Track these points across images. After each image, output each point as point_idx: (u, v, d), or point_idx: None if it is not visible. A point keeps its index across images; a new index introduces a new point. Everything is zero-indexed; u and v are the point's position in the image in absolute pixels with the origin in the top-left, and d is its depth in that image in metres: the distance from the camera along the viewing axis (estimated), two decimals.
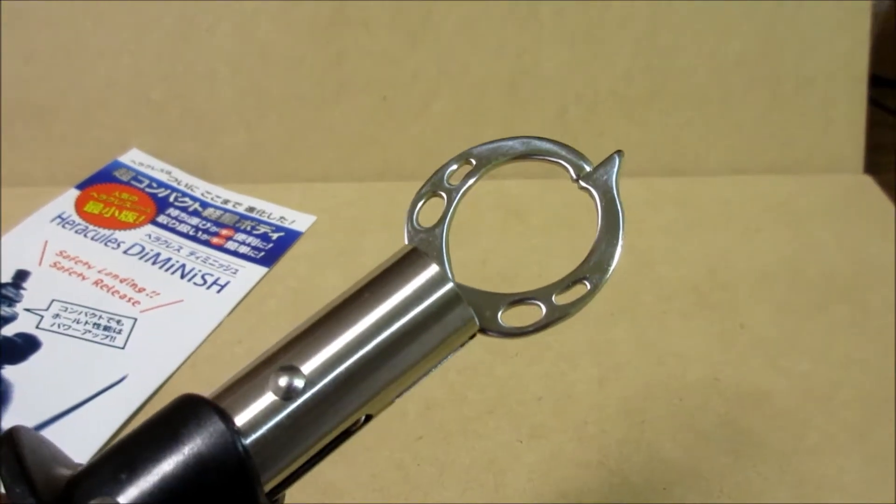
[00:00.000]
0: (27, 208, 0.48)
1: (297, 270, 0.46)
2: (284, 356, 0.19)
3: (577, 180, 0.22)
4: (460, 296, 0.20)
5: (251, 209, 0.50)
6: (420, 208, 0.22)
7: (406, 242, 0.21)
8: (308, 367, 0.18)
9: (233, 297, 0.44)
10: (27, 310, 0.41)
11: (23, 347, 0.39)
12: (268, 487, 0.18)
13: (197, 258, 0.46)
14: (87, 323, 0.41)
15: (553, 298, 0.20)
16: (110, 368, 0.39)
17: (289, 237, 0.48)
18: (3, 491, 0.16)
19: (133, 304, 0.42)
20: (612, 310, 0.43)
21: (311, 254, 0.47)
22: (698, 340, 0.42)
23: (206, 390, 0.39)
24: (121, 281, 0.44)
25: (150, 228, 0.47)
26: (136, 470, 0.16)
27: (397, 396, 0.20)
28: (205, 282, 0.44)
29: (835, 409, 0.38)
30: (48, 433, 0.35)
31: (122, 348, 0.40)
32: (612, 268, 0.21)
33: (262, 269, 0.46)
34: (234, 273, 0.45)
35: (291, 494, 0.20)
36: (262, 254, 0.47)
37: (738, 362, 0.40)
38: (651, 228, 0.49)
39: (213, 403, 0.18)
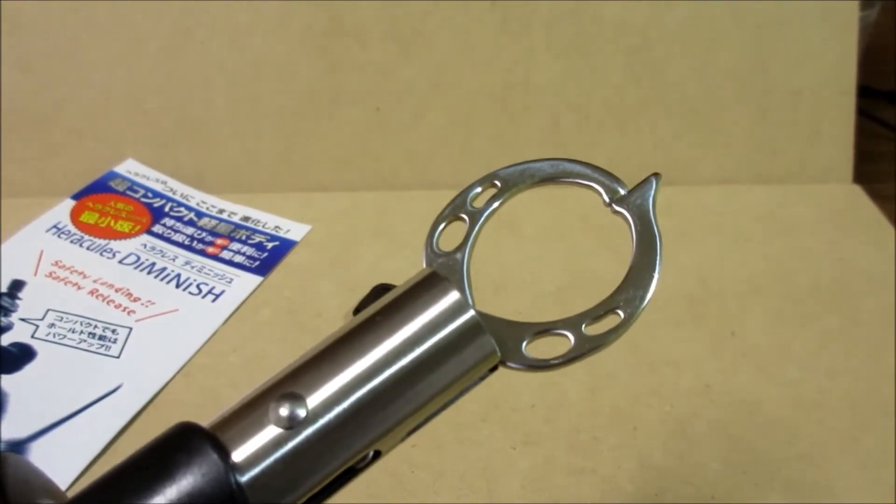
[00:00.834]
0: (23, 219, 0.48)
1: (292, 279, 0.46)
2: (289, 385, 0.18)
3: (609, 204, 0.21)
4: (482, 325, 0.19)
5: (246, 219, 0.50)
6: (441, 232, 0.21)
7: (424, 266, 0.20)
8: (313, 398, 0.17)
9: (228, 306, 0.44)
10: (22, 319, 0.41)
11: (18, 357, 0.40)
12: None
13: (192, 268, 0.46)
14: (82, 332, 0.41)
15: (583, 328, 0.19)
16: (105, 378, 0.39)
17: (283, 246, 0.48)
18: None
19: (128, 313, 0.43)
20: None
21: (305, 263, 0.48)
22: (690, 348, 0.42)
23: (201, 400, 0.40)
24: (116, 290, 0.44)
25: (145, 238, 0.48)
26: None
27: (409, 434, 0.19)
28: (200, 291, 0.44)
29: (824, 417, 0.38)
30: (43, 442, 0.35)
31: (117, 357, 0.40)
32: (648, 297, 0.20)
33: (256, 279, 0.46)
34: (229, 282, 0.45)
35: None
36: (257, 263, 0.47)
37: (729, 370, 0.41)
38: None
39: (210, 433, 0.17)
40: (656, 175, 0.21)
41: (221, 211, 0.51)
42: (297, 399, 0.17)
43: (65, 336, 0.41)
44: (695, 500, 0.35)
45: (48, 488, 0.17)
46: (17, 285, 0.43)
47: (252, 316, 0.44)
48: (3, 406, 0.37)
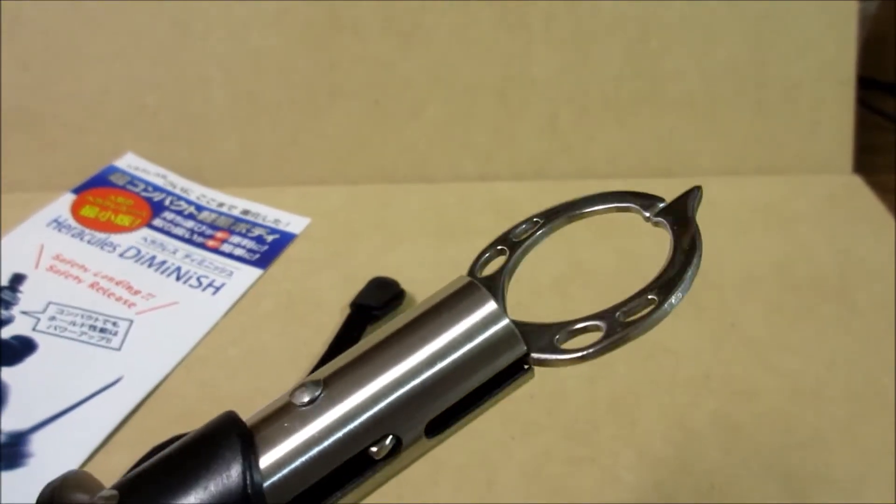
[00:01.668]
0: (23, 213, 0.48)
1: (292, 272, 0.47)
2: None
3: (649, 218, 0.21)
4: (517, 335, 0.19)
5: (246, 212, 0.50)
6: (482, 262, 0.21)
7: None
8: (334, 385, 0.18)
9: (228, 298, 0.44)
10: (23, 312, 0.42)
11: (19, 349, 0.40)
12: None
13: (192, 261, 0.46)
14: (83, 325, 0.41)
15: (616, 316, 0.19)
16: (106, 370, 0.39)
17: (283, 239, 0.49)
18: None
19: (129, 306, 0.43)
20: (602, 309, 0.43)
21: (305, 256, 0.48)
22: (689, 339, 0.42)
23: (202, 392, 0.40)
24: (116, 283, 0.44)
25: (145, 232, 0.48)
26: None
27: (435, 432, 0.19)
28: (200, 284, 0.45)
29: (823, 406, 0.38)
30: (44, 434, 0.36)
31: (118, 350, 0.40)
32: (686, 282, 0.20)
33: (256, 271, 0.46)
34: (230, 275, 0.45)
35: None
36: (257, 256, 0.47)
37: (729, 360, 0.41)
38: (641, 229, 0.50)
39: (246, 433, 0.17)
40: (698, 188, 0.21)
41: (221, 204, 0.51)
42: (318, 384, 0.18)
43: (66, 329, 0.41)
44: (694, 489, 0.35)
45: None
46: (18, 279, 0.44)
47: (252, 308, 0.44)
48: (5, 398, 0.37)
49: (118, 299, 0.43)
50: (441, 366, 0.18)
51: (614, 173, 0.54)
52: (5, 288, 0.43)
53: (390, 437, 0.18)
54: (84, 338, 0.41)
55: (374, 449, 0.18)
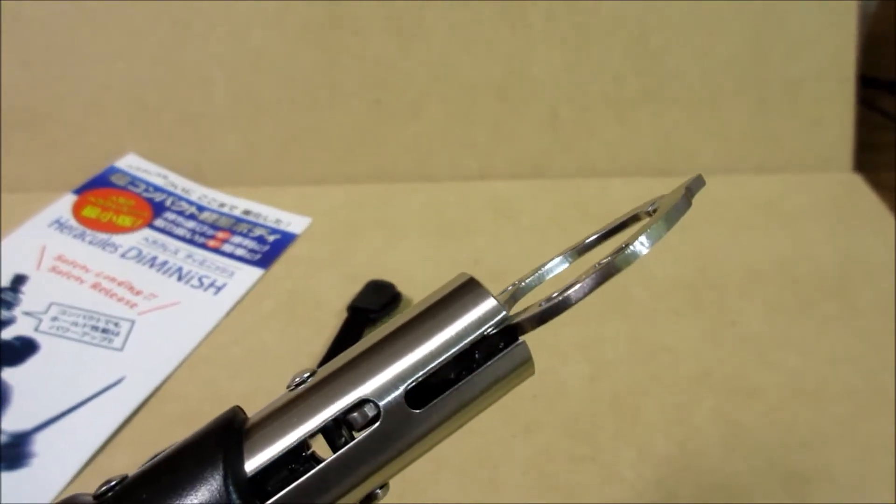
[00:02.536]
0: (24, 214, 0.48)
1: (293, 272, 0.47)
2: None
3: (649, 212, 0.21)
4: (489, 294, 0.19)
5: (247, 212, 0.50)
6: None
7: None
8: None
9: (229, 298, 0.44)
10: (26, 313, 0.42)
11: (21, 350, 0.40)
12: None
13: (194, 261, 0.46)
14: (84, 325, 0.41)
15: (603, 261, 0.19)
16: (108, 370, 0.39)
17: (284, 239, 0.49)
18: None
19: (130, 306, 0.43)
20: (603, 308, 0.43)
21: (306, 255, 0.48)
22: (690, 337, 0.42)
23: (204, 391, 0.40)
24: (118, 284, 0.44)
25: (146, 232, 0.48)
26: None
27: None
28: (201, 284, 0.45)
29: (824, 404, 0.39)
30: (47, 434, 0.36)
31: (120, 350, 0.40)
32: (664, 231, 0.19)
33: (258, 271, 0.46)
34: (231, 275, 0.46)
35: None
36: (259, 256, 0.47)
37: (729, 358, 0.41)
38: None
39: (234, 432, 0.18)
40: (700, 176, 0.21)
41: (222, 205, 0.51)
42: (309, 371, 0.18)
43: (68, 329, 0.41)
44: (694, 486, 0.35)
45: None
46: (19, 279, 0.44)
47: (254, 308, 0.44)
48: (8, 399, 0.37)
49: (120, 300, 0.43)
50: (416, 329, 0.18)
51: (615, 171, 0.54)
52: (7, 289, 0.43)
53: (370, 404, 0.17)
54: (86, 338, 0.41)
55: (354, 415, 0.18)
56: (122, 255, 0.46)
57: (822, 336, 0.42)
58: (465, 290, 0.19)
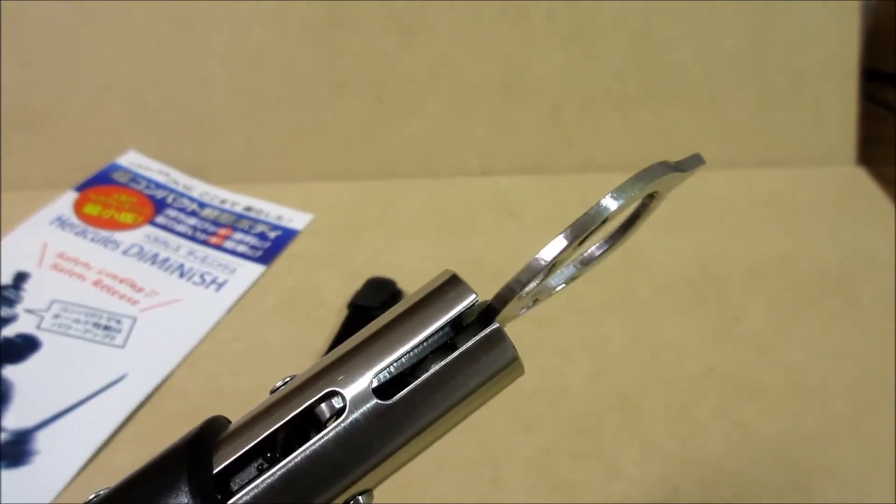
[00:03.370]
0: (26, 211, 0.48)
1: (295, 268, 0.47)
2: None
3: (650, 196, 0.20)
4: (503, 332, 0.18)
5: (248, 208, 0.50)
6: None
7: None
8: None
9: (231, 295, 0.44)
10: (27, 311, 0.42)
11: (23, 348, 0.40)
12: None
13: (195, 258, 0.46)
14: (86, 323, 0.41)
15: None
16: (110, 367, 0.39)
17: (286, 236, 0.49)
18: None
19: (132, 303, 0.43)
20: (606, 305, 0.43)
21: (308, 252, 0.48)
22: (692, 333, 0.42)
23: (206, 388, 0.40)
24: (120, 281, 0.44)
25: (148, 229, 0.48)
26: None
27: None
28: (203, 281, 0.45)
29: (827, 400, 0.38)
30: (50, 431, 0.36)
31: (122, 347, 0.40)
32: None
33: (259, 268, 0.46)
34: (233, 272, 0.45)
35: None
36: (260, 252, 0.47)
37: (732, 354, 0.41)
38: (644, 224, 0.50)
39: (203, 446, 0.17)
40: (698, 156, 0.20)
41: (224, 201, 0.51)
42: (291, 376, 0.18)
43: (70, 327, 0.41)
44: (698, 482, 0.35)
45: None
46: (21, 277, 0.44)
47: (255, 305, 0.44)
48: (10, 396, 0.37)
49: (122, 297, 0.43)
50: (390, 323, 0.17)
51: (617, 167, 0.54)
52: (9, 286, 0.43)
53: (337, 396, 0.17)
54: (88, 335, 0.41)
55: (321, 407, 0.17)
56: (124, 253, 0.46)
57: (824, 332, 0.42)
58: (444, 284, 0.18)
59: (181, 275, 0.45)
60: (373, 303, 0.42)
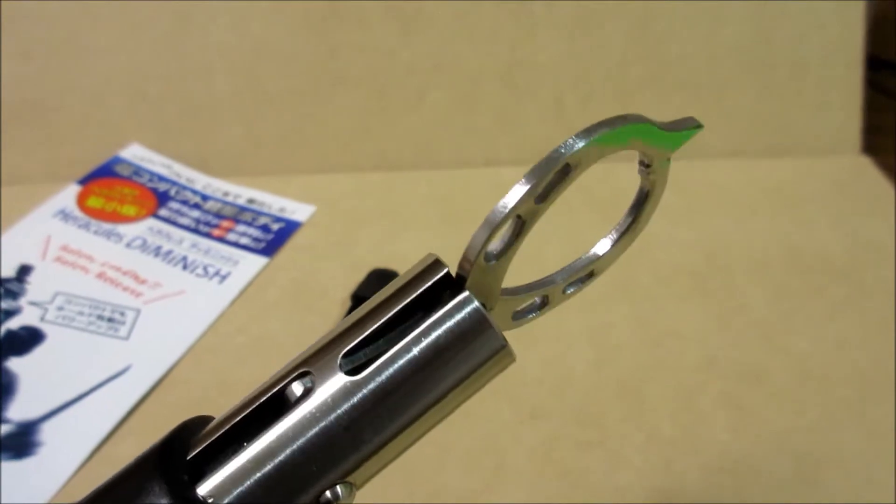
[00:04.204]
0: (29, 205, 0.48)
1: (298, 260, 0.47)
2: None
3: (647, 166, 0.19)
4: (486, 316, 0.17)
5: (251, 201, 0.50)
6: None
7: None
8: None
9: (234, 287, 0.44)
10: (31, 303, 0.42)
11: (27, 340, 0.40)
12: None
13: (198, 250, 0.46)
14: (90, 315, 0.41)
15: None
16: (114, 359, 0.39)
17: (289, 227, 0.48)
18: None
19: (136, 295, 0.43)
20: (609, 293, 0.43)
21: (311, 243, 0.48)
22: (696, 322, 0.42)
23: (209, 380, 0.40)
24: (123, 273, 0.44)
25: (151, 222, 0.48)
26: None
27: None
28: (206, 273, 0.45)
29: (832, 387, 0.38)
30: (54, 423, 0.36)
31: (126, 339, 0.40)
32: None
33: (262, 260, 0.46)
34: (235, 264, 0.45)
35: None
36: (263, 244, 0.47)
37: (737, 342, 0.41)
38: (651, 217, 0.49)
39: (174, 451, 0.17)
40: (699, 125, 0.19)
41: (226, 194, 0.51)
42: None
43: (73, 319, 0.41)
44: (702, 470, 0.35)
45: None
46: (25, 270, 0.44)
47: (258, 296, 0.44)
48: (15, 388, 0.37)
49: (125, 289, 0.43)
50: (364, 305, 0.17)
51: (620, 157, 0.54)
52: (13, 279, 0.43)
53: (307, 377, 0.16)
54: (92, 327, 0.41)
55: (291, 387, 0.16)
56: (127, 245, 0.46)
57: (829, 320, 0.42)
58: (424, 267, 0.17)
59: (184, 267, 0.45)
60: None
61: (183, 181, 0.51)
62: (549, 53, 0.54)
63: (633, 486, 0.34)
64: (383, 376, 0.16)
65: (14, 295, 0.42)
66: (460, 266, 0.17)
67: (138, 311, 0.42)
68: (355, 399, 0.16)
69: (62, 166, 0.51)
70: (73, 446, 0.35)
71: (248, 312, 0.43)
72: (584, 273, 0.20)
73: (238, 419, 0.16)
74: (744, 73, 0.54)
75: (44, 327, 0.41)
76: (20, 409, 0.37)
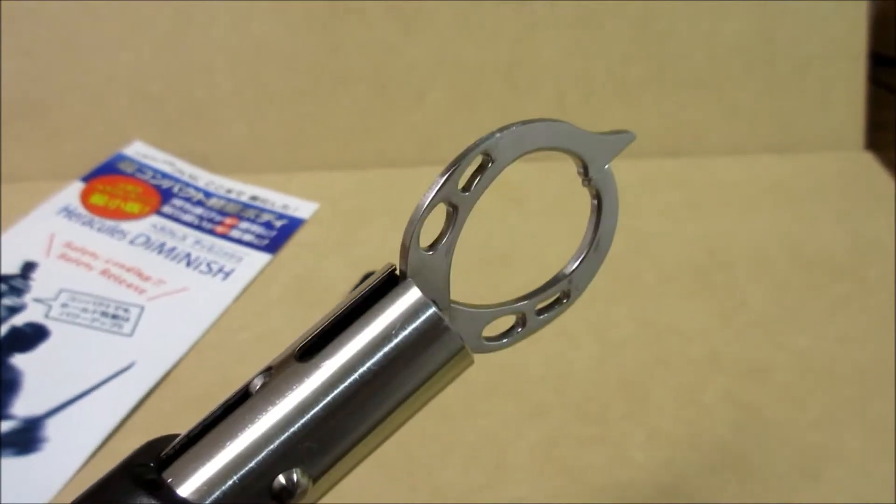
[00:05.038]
0: (33, 202, 0.49)
1: (301, 257, 0.47)
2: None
3: (583, 176, 0.20)
4: (446, 322, 0.18)
5: (254, 198, 0.50)
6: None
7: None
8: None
9: (237, 284, 0.44)
10: (36, 300, 0.42)
11: (32, 336, 0.40)
12: None
13: (202, 247, 0.46)
14: (94, 312, 0.42)
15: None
16: (118, 356, 0.39)
17: (292, 224, 0.49)
18: None
19: (139, 292, 0.43)
20: (612, 290, 0.43)
21: (314, 240, 0.48)
22: (699, 318, 0.42)
23: (213, 377, 0.40)
24: (127, 270, 0.44)
25: (154, 219, 0.48)
26: None
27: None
28: (210, 270, 0.45)
29: (834, 384, 0.38)
30: (59, 419, 0.36)
31: (130, 336, 0.41)
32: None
33: (266, 257, 0.46)
34: (239, 261, 0.46)
35: None
36: (266, 241, 0.47)
37: (739, 339, 0.41)
38: (650, 210, 0.49)
39: (144, 453, 0.17)
40: (630, 134, 0.20)
41: (229, 191, 0.51)
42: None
43: (78, 315, 0.41)
44: (705, 467, 0.35)
45: None
46: (29, 267, 0.44)
47: (262, 293, 0.44)
48: (20, 384, 0.38)
49: (129, 286, 0.43)
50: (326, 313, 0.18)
51: (622, 153, 0.54)
52: (17, 276, 0.43)
53: (268, 372, 0.18)
54: (96, 324, 0.41)
55: (254, 382, 0.18)
56: (131, 242, 0.46)
57: (831, 316, 0.42)
58: (381, 271, 0.19)
59: (188, 264, 0.45)
60: None
61: (186, 178, 0.51)
62: (551, 51, 0.54)
63: (635, 483, 0.34)
64: (333, 361, 0.17)
65: (18, 292, 0.42)
66: (399, 260, 0.18)
67: (142, 308, 0.42)
68: (310, 384, 0.17)
69: (65, 164, 0.52)
70: (78, 443, 0.35)
71: (252, 309, 0.43)
72: (555, 296, 0.20)
73: (206, 421, 0.17)
74: (746, 69, 0.54)
75: (48, 324, 0.41)
76: (25, 406, 0.37)
